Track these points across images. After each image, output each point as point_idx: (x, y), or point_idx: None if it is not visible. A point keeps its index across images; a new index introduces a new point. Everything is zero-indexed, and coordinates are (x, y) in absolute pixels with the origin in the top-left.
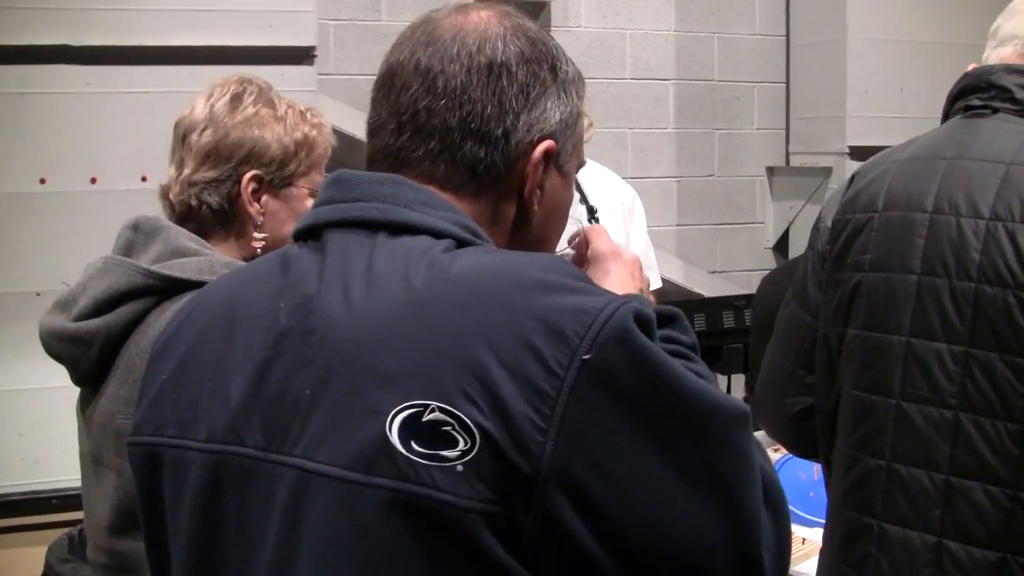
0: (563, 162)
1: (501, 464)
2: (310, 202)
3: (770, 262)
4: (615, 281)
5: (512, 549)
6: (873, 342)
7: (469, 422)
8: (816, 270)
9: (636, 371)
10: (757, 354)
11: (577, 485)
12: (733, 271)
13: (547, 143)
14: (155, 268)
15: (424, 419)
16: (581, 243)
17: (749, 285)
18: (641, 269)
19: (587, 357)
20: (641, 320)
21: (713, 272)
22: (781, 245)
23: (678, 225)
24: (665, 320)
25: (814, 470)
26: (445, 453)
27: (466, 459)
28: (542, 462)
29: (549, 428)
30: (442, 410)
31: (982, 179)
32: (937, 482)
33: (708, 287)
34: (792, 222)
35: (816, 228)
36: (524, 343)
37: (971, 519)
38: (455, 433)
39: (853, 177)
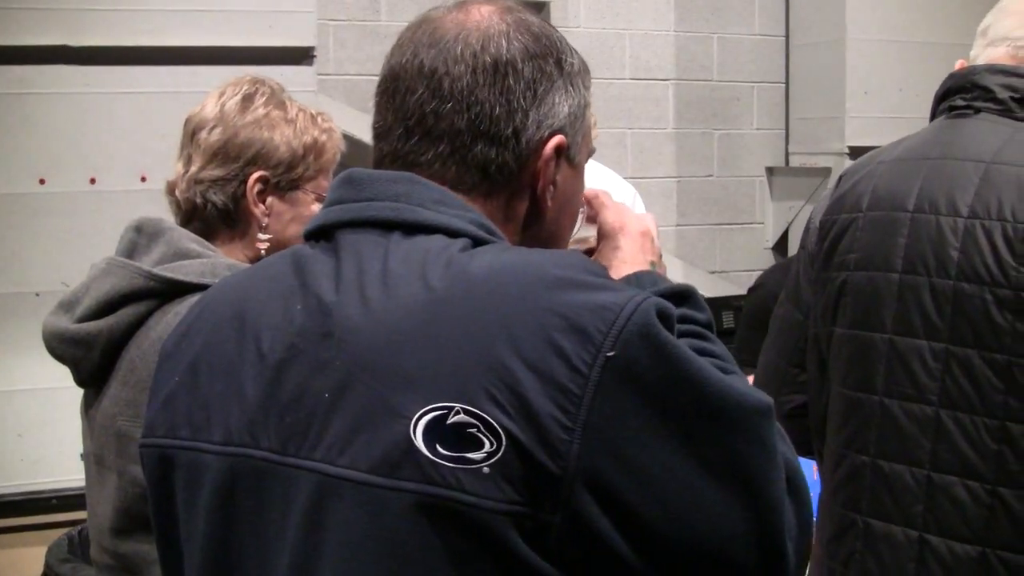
0: (574, 155)
1: (527, 465)
2: (316, 207)
3: (770, 262)
4: (626, 258)
5: (539, 549)
6: (859, 340)
7: (495, 423)
8: (807, 270)
9: (660, 367)
10: (743, 349)
11: (603, 482)
12: (733, 271)
13: (558, 138)
14: (157, 271)
15: (449, 421)
16: (587, 209)
17: (748, 285)
18: (653, 240)
19: (611, 354)
20: (662, 315)
21: (713, 272)
22: (781, 245)
23: (677, 225)
24: (680, 298)
25: (813, 470)
26: (471, 455)
27: (492, 461)
28: (569, 461)
29: (575, 427)
30: (467, 412)
31: (962, 178)
32: (919, 478)
33: (708, 287)
34: (792, 222)
35: (807, 228)
36: (547, 341)
37: (952, 515)
38: (480, 435)
39: (841, 177)
